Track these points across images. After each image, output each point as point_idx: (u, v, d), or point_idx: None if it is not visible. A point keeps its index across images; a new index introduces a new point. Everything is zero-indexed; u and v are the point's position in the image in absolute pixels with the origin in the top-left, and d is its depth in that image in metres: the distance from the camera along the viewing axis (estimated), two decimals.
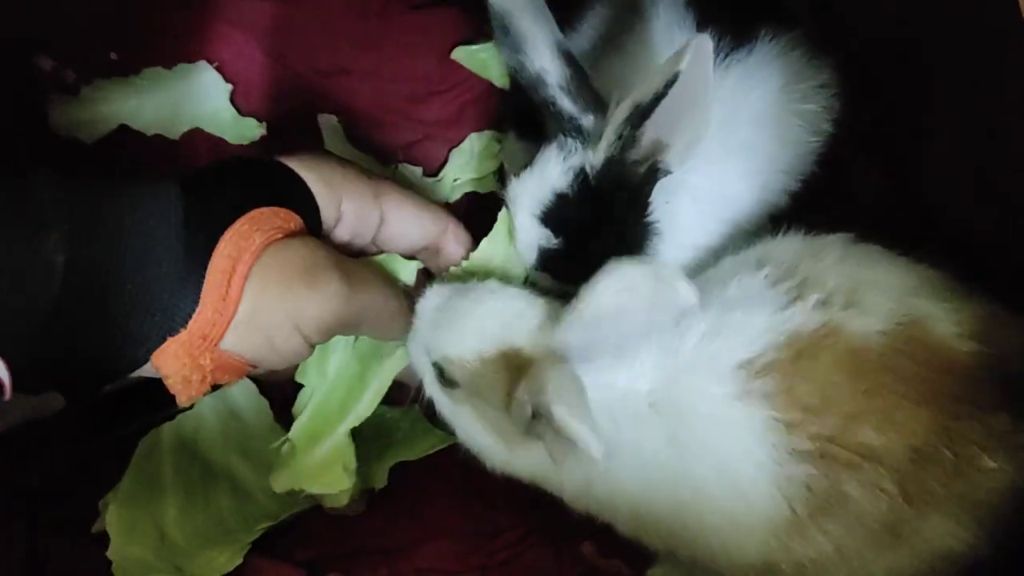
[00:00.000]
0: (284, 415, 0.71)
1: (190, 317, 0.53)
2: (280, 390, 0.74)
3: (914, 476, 0.56)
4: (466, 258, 0.68)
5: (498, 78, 0.85)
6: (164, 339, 0.53)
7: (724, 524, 0.59)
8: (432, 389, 0.64)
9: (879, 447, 0.56)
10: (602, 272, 0.54)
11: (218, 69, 0.84)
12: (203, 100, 0.84)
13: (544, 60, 0.64)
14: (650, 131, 0.59)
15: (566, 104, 0.64)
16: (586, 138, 0.64)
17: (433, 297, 0.63)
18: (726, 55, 0.67)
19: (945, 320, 0.59)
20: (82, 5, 0.81)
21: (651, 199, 0.65)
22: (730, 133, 0.66)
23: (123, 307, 0.52)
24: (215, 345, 0.55)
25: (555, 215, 0.65)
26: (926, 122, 0.75)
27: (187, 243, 0.54)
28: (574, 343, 0.57)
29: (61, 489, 0.75)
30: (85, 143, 0.82)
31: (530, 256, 0.67)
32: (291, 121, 0.85)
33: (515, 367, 0.58)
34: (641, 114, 0.58)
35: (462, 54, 0.86)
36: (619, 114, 0.60)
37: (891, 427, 0.56)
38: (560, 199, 0.64)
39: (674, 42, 0.68)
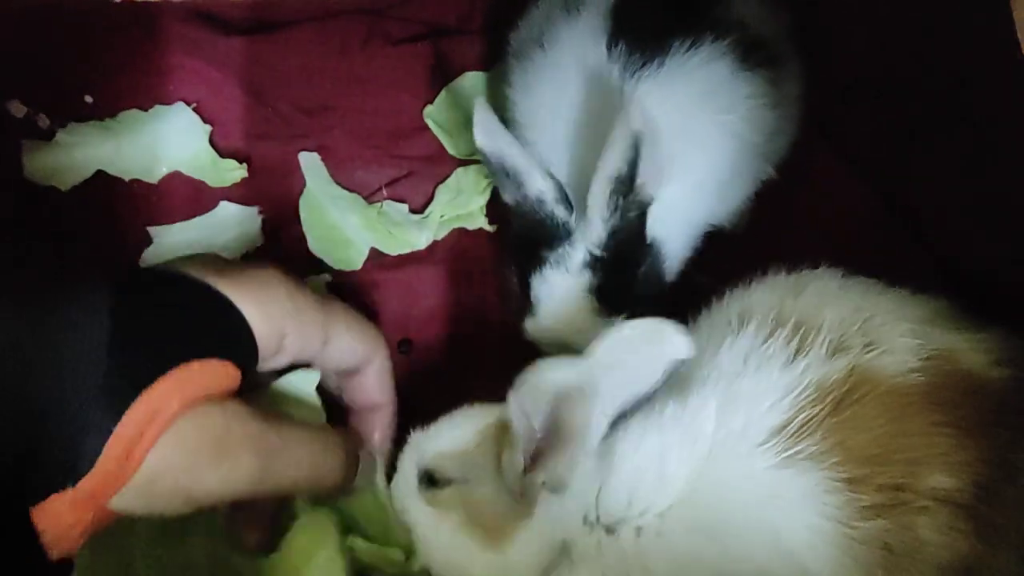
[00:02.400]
0: None
1: (84, 474, 0.48)
2: None
3: (984, 513, 0.53)
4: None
5: (451, 146, 0.85)
6: (47, 494, 0.47)
7: None
8: (410, 508, 0.60)
9: (950, 488, 0.52)
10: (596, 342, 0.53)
11: (196, 110, 0.83)
12: (182, 142, 0.82)
13: (539, 183, 0.66)
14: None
15: (561, 213, 0.67)
16: (571, 234, 0.66)
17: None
18: (635, 70, 0.68)
19: (972, 349, 0.57)
20: (54, 48, 0.80)
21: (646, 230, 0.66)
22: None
23: (18, 442, 0.46)
24: (102, 504, 0.50)
25: (605, 304, 0.67)
26: (916, 141, 0.74)
27: (102, 392, 0.48)
28: None
29: None
30: (61, 190, 0.80)
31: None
32: (272, 160, 0.83)
33: (496, 436, 0.57)
34: (627, 182, 0.61)
35: (428, 119, 0.85)
36: (600, 194, 0.62)
37: (956, 466, 0.53)
38: (599, 290, 0.66)
39: (586, 61, 0.69)
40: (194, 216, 0.81)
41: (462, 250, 0.82)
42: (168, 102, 0.83)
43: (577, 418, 0.52)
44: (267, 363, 0.59)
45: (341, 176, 0.84)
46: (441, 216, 0.83)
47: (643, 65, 0.67)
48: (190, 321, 0.54)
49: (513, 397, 0.51)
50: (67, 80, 0.81)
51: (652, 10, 0.70)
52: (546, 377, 0.51)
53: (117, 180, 0.81)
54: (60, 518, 0.48)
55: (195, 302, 0.54)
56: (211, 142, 0.83)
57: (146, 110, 0.82)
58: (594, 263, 0.66)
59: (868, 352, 0.55)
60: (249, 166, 0.82)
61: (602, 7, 0.70)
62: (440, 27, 0.86)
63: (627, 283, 0.67)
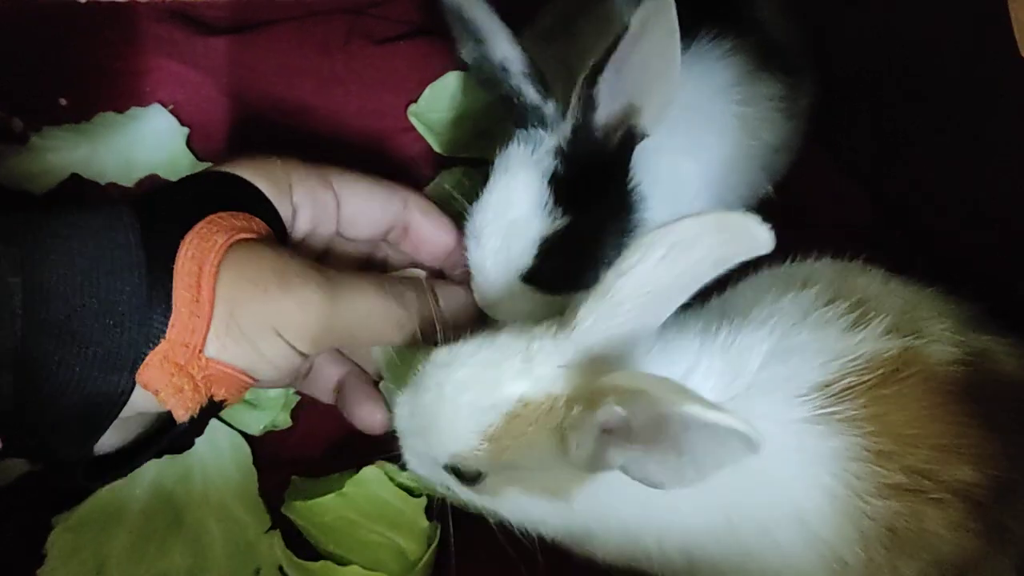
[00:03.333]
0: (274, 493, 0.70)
1: (166, 325, 0.52)
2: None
3: (995, 513, 0.53)
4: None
5: (437, 144, 0.83)
6: (144, 354, 0.52)
7: (788, 571, 0.53)
8: (463, 494, 0.56)
9: (972, 483, 0.52)
10: (642, 239, 0.48)
11: (173, 112, 0.81)
12: (158, 145, 0.80)
13: (505, 49, 0.62)
14: (619, 95, 0.59)
15: (531, 93, 0.62)
16: (549, 125, 0.63)
17: (402, 407, 0.56)
18: None
19: (1006, 352, 0.57)
20: (27, 50, 0.78)
21: (631, 165, 0.63)
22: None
23: (92, 328, 0.51)
24: (199, 352, 0.53)
25: (556, 196, 0.62)
26: (916, 143, 0.74)
27: (147, 253, 0.53)
28: (603, 335, 0.50)
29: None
30: (35, 195, 0.78)
31: (525, 256, 0.63)
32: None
33: (534, 416, 0.50)
34: (595, 70, 0.57)
35: (413, 117, 0.84)
36: (579, 79, 0.59)
37: (981, 460, 0.53)
38: (554, 179, 0.62)
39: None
40: None
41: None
42: (144, 104, 0.81)
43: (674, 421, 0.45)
44: (290, 224, 0.62)
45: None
46: None
47: None
48: (202, 190, 0.59)
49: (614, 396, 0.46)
50: (41, 83, 0.80)
51: None
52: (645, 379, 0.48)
53: (92, 184, 0.80)
54: (165, 371, 0.53)
55: (199, 181, 0.60)
56: (189, 145, 0.81)
57: (122, 112, 0.81)
58: (558, 152, 0.62)
59: (918, 339, 0.55)
60: None
61: None
62: (423, 26, 0.85)
63: (584, 192, 0.63)
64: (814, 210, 0.80)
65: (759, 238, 0.47)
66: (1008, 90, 0.57)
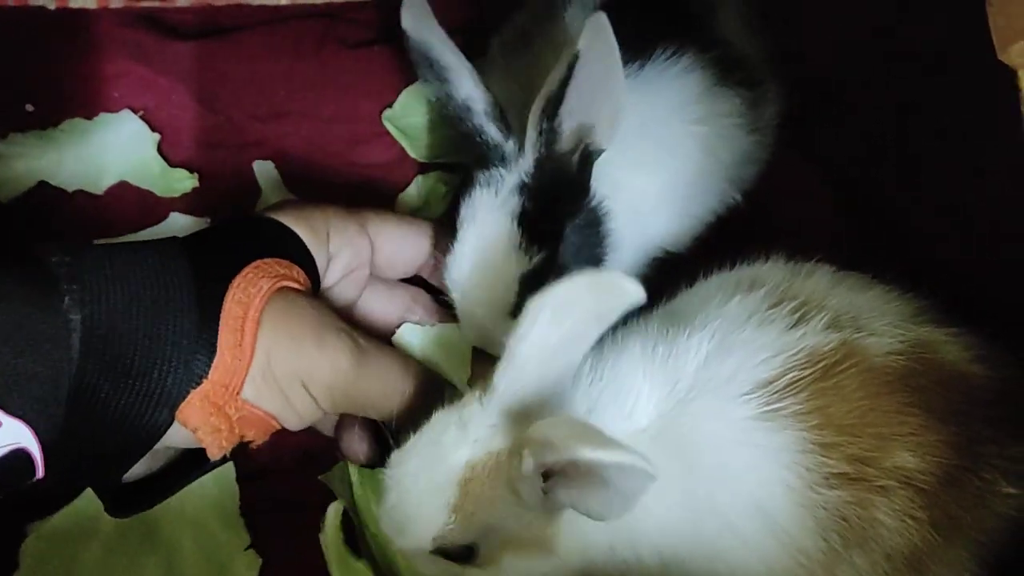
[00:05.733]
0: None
1: (210, 367, 0.54)
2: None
3: (942, 502, 0.54)
4: None
5: (412, 149, 0.82)
6: (187, 392, 0.54)
7: (754, 562, 0.55)
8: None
9: (913, 469, 0.53)
10: (529, 306, 0.51)
11: (143, 118, 0.80)
12: (128, 152, 0.79)
13: (468, 88, 0.64)
14: (570, 117, 0.60)
15: (492, 131, 0.64)
16: (509, 162, 0.64)
17: (380, 518, 0.58)
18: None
19: (950, 343, 0.58)
20: None
21: (592, 184, 0.65)
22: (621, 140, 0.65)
23: (144, 363, 0.53)
24: (237, 394, 0.56)
25: (527, 233, 0.64)
26: (894, 147, 0.74)
27: (198, 293, 0.55)
28: (517, 394, 0.53)
29: None
30: (1, 203, 0.76)
31: (508, 299, 0.64)
32: (225, 169, 0.80)
33: (485, 475, 0.53)
34: (554, 102, 0.59)
35: (387, 122, 0.83)
36: (535, 112, 0.60)
37: (922, 449, 0.54)
38: (523, 216, 0.64)
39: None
40: (143, 228, 0.78)
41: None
42: (114, 110, 0.80)
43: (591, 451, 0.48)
44: (324, 271, 0.64)
45: (297, 185, 0.81)
46: None
47: (624, 64, 0.66)
48: (249, 235, 0.61)
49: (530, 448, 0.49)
50: (6, 89, 0.78)
51: (640, 12, 0.70)
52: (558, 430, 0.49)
53: (60, 191, 0.78)
54: (205, 411, 0.55)
55: (247, 226, 0.63)
56: (160, 151, 0.80)
57: (90, 119, 0.79)
58: (523, 189, 0.63)
59: (858, 333, 0.57)
60: (200, 176, 0.80)
61: (590, 4, 0.70)
62: (397, 31, 0.84)
63: (554, 223, 0.64)
64: (781, 212, 0.80)
65: (630, 292, 0.51)
66: (987, 93, 0.58)
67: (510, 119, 0.65)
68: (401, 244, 0.69)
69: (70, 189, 0.78)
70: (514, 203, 0.64)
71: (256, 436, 0.59)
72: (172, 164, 0.80)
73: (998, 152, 0.60)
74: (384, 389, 0.61)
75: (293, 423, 0.60)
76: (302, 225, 0.62)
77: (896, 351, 0.56)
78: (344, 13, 0.83)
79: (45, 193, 0.77)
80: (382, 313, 0.70)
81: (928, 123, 0.69)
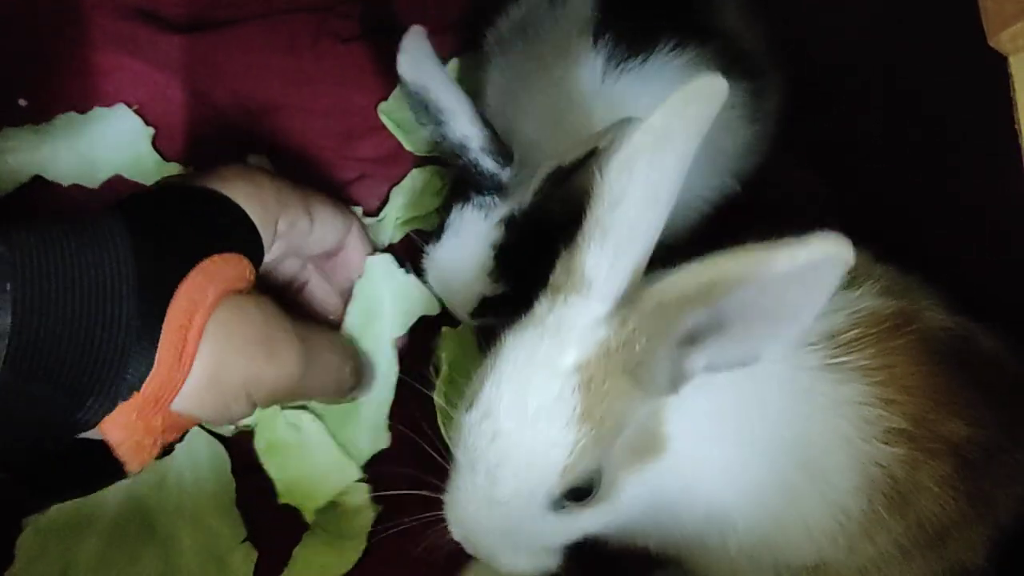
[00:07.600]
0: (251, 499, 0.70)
1: (144, 379, 0.51)
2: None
3: (981, 476, 0.55)
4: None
5: (408, 142, 0.83)
6: (116, 404, 0.51)
7: (792, 516, 0.55)
8: (589, 521, 0.53)
9: (964, 438, 0.55)
10: (613, 164, 0.47)
11: (138, 112, 0.79)
12: (123, 146, 0.79)
13: (464, 127, 0.65)
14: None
15: (488, 164, 0.66)
16: (505, 191, 0.66)
17: (467, 508, 0.52)
18: (619, 62, 0.68)
19: (982, 333, 0.60)
20: None
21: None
22: None
23: (74, 371, 0.49)
24: (167, 407, 0.53)
25: (500, 265, 0.67)
26: (886, 138, 0.74)
27: (140, 299, 0.51)
28: (609, 267, 0.48)
29: None
30: None
31: (466, 308, 0.70)
32: (219, 163, 0.80)
33: (602, 369, 0.48)
34: (564, 175, 0.60)
35: (383, 115, 0.83)
36: (542, 172, 0.61)
37: (972, 419, 0.55)
38: (501, 250, 0.66)
39: (569, 53, 0.69)
40: None
41: (418, 252, 0.79)
42: (108, 104, 0.79)
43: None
44: (270, 248, 0.62)
45: (292, 179, 0.80)
46: (396, 218, 0.81)
47: (627, 58, 0.67)
48: (199, 222, 0.57)
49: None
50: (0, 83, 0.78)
51: (643, 6, 0.70)
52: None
53: (55, 186, 0.77)
54: (131, 428, 0.52)
55: (198, 206, 0.58)
56: (154, 145, 0.80)
57: (84, 113, 0.79)
58: (510, 222, 0.65)
59: (914, 304, 0.58)
60: (194, 170, 0.79)
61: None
62: (390, 24, 0.84)
63: (526, 265, 0.63)
64: (776, 205, 0.80)
65: (716, 88, 0.47)
66: (977, 80, 0.58)
67: (507, 121, 0.67)
68: (331, 228, 0.68)
69: (65, 183, 0.78)
70: (498, 234, 0.66)
71: (176, 437, 0.57)
72: (167, 158, 0.80)
73: (997, 145, 0.60)
74: (325, 379, 0.62)
75: (221, 424, 0.59)
76: (254, 203, 0.60)
77: (947, 327, 0.57)
78: (338, 7, 0.83)
79: (40, 187, 0.77)
80: (322, 292, 0.72)
81: (927, 116, 0.69)
